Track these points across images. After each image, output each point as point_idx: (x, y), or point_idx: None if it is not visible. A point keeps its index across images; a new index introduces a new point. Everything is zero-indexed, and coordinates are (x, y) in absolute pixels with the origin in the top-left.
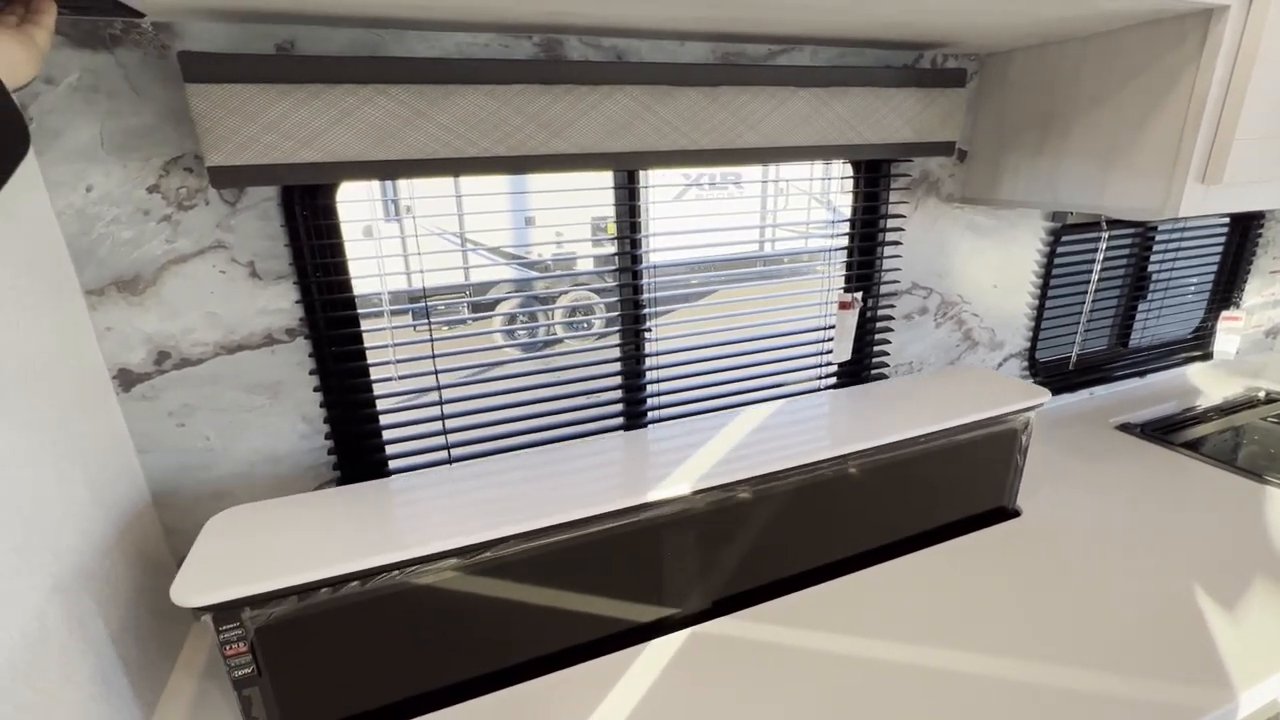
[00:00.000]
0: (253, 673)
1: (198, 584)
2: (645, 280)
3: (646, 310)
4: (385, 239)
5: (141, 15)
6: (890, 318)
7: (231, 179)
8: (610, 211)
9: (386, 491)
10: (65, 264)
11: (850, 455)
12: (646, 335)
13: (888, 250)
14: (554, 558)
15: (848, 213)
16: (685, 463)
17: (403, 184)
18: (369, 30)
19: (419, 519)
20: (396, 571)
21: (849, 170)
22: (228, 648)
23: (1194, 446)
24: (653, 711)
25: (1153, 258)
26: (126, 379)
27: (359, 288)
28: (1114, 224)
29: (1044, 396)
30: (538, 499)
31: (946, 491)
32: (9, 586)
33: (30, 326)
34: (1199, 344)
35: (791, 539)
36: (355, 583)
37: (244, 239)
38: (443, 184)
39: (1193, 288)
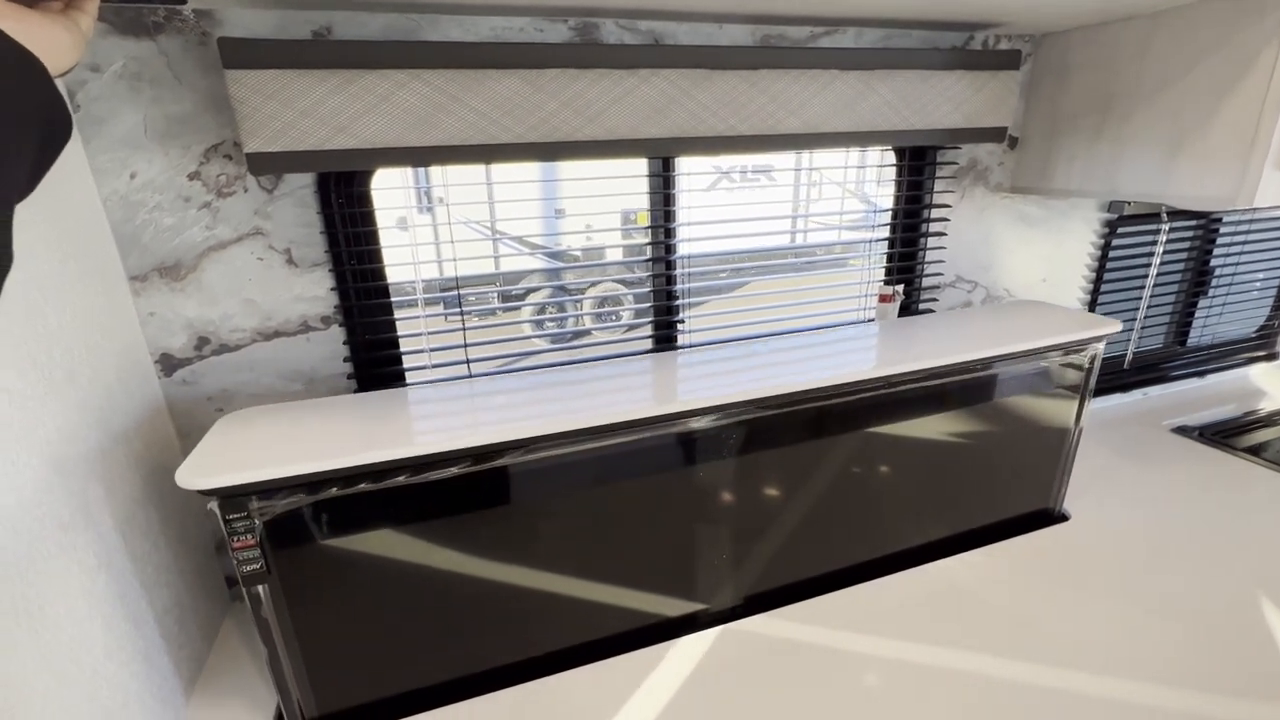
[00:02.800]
0: (261, 569)
1: (204, 469)
2: (679, 271)
3: (680, 301)
4: (418, 227)
5: (183, 2)
6: (932, 311)
7: (269, 165)
8: (641, 202)
9: (403, 396)
10: (110, 250)
11: (899, 376)
12: (680, 327)
13: (931, 241)
14: (573, 471)
15: (887, 202)
16: (715, 378)
17: (435, 174)
18: (404, 15)
19: (434, 420)
20: (406, 474)
21: (889, 158)
22: (235, 540)
23: (1257, 451)
24: (684, 710)
25: (1216, 251)
26: (168, 364)
27: (391, 276)
28: (1175, 215)
29: (1113, 326)
30: (559, 407)
31: (994, 472)
32: (58, 565)
33: (77, 311)
34: (1264, 343)
35: (828, 534)
36: (365, 483)
37: (281, 226)
38: (474, 174)
39: (1258, 284)
